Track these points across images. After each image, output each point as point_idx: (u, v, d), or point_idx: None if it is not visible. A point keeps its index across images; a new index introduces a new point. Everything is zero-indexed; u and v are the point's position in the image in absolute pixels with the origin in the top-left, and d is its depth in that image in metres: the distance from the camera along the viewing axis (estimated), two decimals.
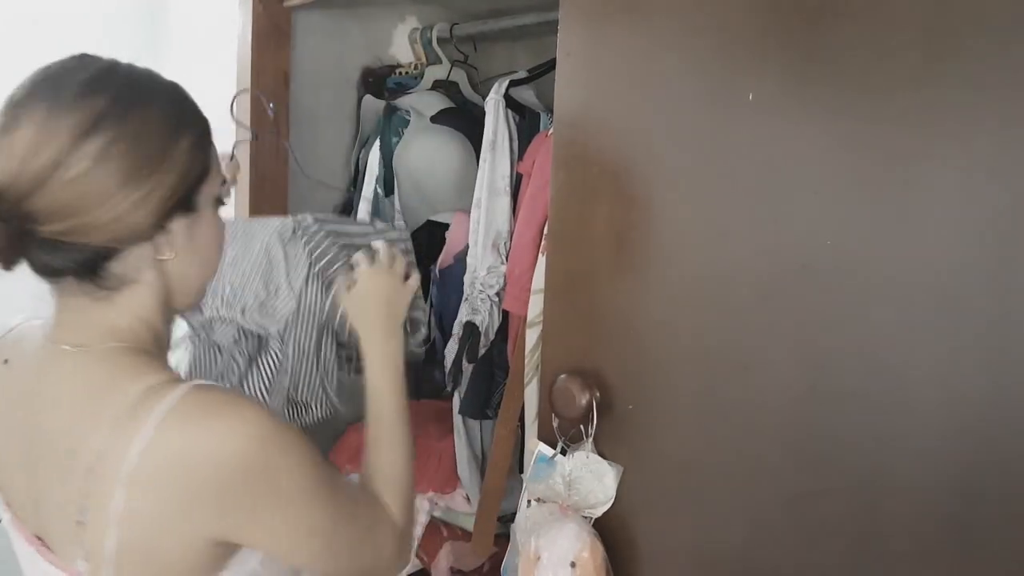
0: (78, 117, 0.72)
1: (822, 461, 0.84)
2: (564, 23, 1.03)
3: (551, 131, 1.13)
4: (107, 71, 0.78)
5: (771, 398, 0.87)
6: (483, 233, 1.49)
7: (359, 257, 1.07)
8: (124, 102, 0.75)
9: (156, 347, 0.83)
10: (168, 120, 0.79)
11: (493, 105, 1.48)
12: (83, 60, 0.78)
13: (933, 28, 0.75)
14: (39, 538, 0.81)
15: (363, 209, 1.72)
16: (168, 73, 0.87)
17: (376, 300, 1.05)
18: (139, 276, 0.79)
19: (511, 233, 1.47)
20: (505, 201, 1.48)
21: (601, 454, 1.01)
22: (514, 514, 1.14)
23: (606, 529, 1.00)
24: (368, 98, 1.82)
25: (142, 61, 0.85)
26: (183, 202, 0.79)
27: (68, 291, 0.79)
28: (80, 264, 0.76)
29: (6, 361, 0.85)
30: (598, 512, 1.00)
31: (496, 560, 1.59)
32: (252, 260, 1.24)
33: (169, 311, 0.85)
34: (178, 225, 0.80)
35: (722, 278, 0.90)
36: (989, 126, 0.72)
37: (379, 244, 1.09)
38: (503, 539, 1.36)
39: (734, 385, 0.90)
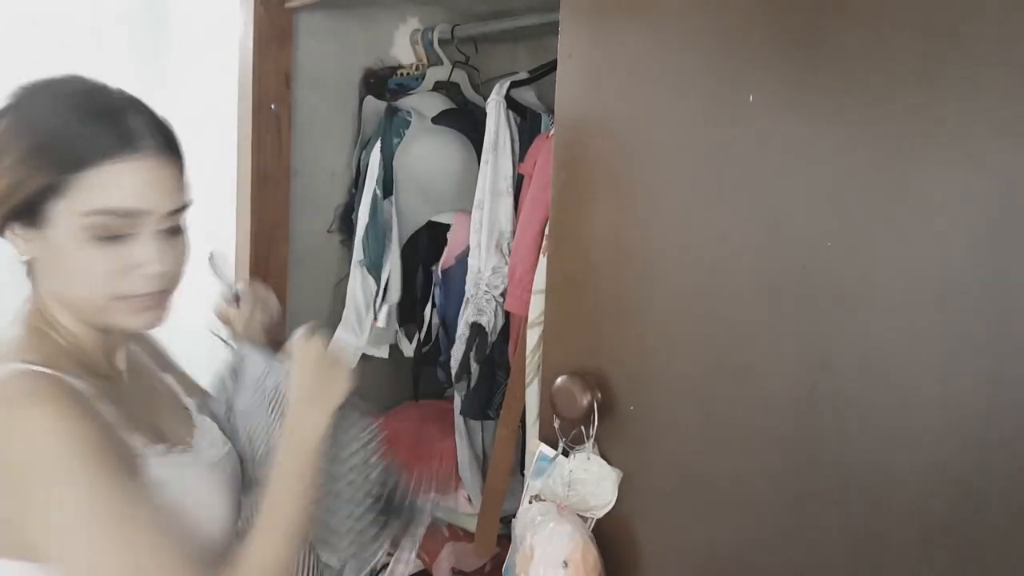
0: None
1: (823, 462, 0.84)
2: (565, 25, 1.03)
3: (552, 132, 1.13)
4: (25, 82, 0.82)
5: (772, 399, 0.87)
6: (486, 234, 1.49)
7: (296, 333, 0.96)
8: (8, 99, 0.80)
9: (59, 336, 0.84)
10: (8, 131, 0.80)
11: (495, 106, 1.48)
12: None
13: (932, 31, 0.75)
14: None
15: (363, 210, 1.72)
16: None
17: (305, 371, 0.93)
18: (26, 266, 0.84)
19: (514, 233, 1.47)
20: (508, 201, 1.49)
21: (603, 455, 1.01)
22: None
23: (606, 531, 1.00)
24: (369, 99, 1.82)
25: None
26: (19, 212, 0.80)
27: None
28: None
29: None
30: (598, 514, 1.00)
31: (498, 561, 1.59)
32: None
33: (76, 313, 0.85)
34: (21, 233, 0.81)
35: (723, 279, 0.91)
36: (988, 128, 0.72)
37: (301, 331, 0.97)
38: (505, 540, 1.36)
39: (735, 386, 0.90)
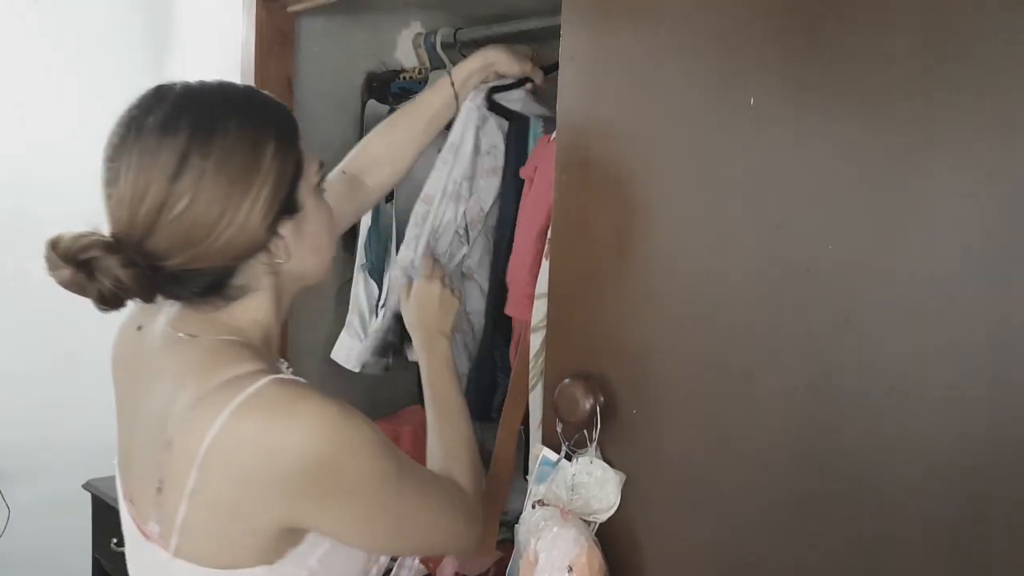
0: (165, 159, 0.77)
1: (825, 466, 0.84)
2: (567, 27, 1.03)
3: (554, 135, 1.13)
4: (181, 102, 0.82)
5: (775, 402, 0.87)
6: (427, 230, 1.50)
7: (408, 272, 1.29)
8: (202, 132, 0.80)
9: (264, 343, 0.90)
10: (247, 134, 0.82)
11: (464, 112, 1.48)
12: (159, 94, 0.83)
13: (934, 33, 0.75)
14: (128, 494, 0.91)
15: (367, 214, 1.72)
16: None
17: (425, 309, 1.21)
18: (258, 284, 0.87)
19: (451, 241, 1.50)
20: (454, 207, 1.50)
21: (605, 459, 1.01)
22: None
23: (610, 535, 1.00)
24: (372, 103, 1.82)
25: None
26: (286, 206, 0.84)
27: (193, 301, 0.87)
28: (205, 287, 0.83)
29: (140, 328, 0.92)
30: (601, 518, 0.99)
31: (501, 564, 1.59)
32: None
33: (283, 308, 0.93)
34: (286, 228, 0.85)
35: (725, 282, 0.90)
36: (990, 130, 0.72)
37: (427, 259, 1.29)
38: (507, 544, 1.36)
39: (737, 389, 0.90)
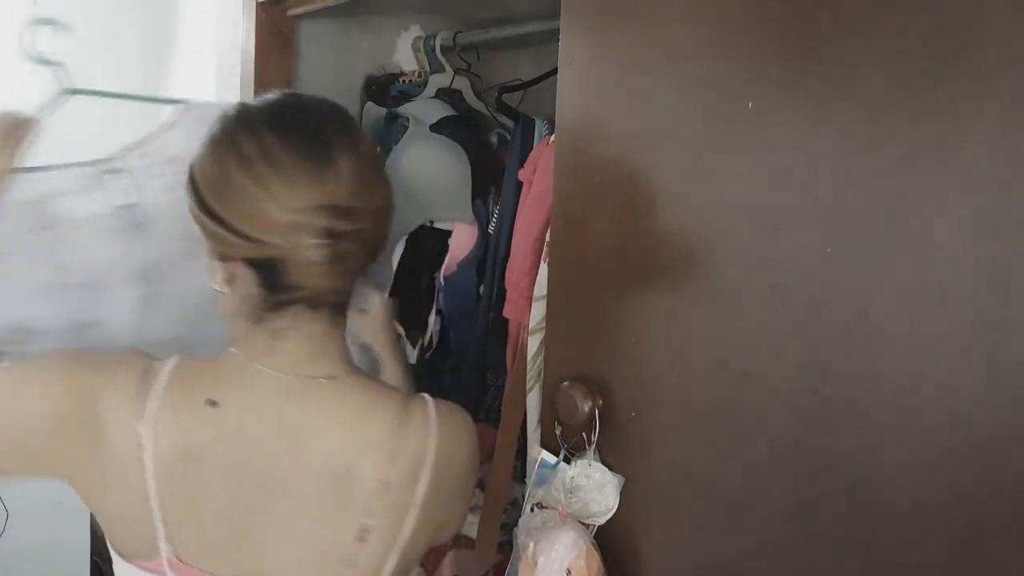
0: (369, 157, 0.84)
1: (824, 468, 0.84)
2: (565, 31, 1.04)
3: (552, 138, 1.13)
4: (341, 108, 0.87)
5: (773, 405, 0.87)
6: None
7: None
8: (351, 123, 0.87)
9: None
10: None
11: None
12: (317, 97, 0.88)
13: (933, 36, 0.75)
14: None
15: None
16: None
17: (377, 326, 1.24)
18: (363, 305, 0.98)
19: None
20: None
21: (604, 462, 1.01)
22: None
23: (608, 538, 1.00)
24: (370, 105, 1.82)
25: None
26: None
27: (301, 322, 0.81)
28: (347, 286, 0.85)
29: (215, 403, 0.80)
30: (600, 521, 0.99)
31: (501, 568, 1.59)
32: None
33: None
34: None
35: (724, 285, 0.90)
36: (989, 135, 0.72)
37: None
38: (507, 547, 1.36)
39: (736, 392, 0.90)
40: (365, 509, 0.80)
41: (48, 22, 1.12)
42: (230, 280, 0.81)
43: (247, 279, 0.79)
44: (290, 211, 0.75)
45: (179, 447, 0.77)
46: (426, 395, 0.89)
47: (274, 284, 0.78)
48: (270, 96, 0.85)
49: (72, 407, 0.77)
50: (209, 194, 0.78)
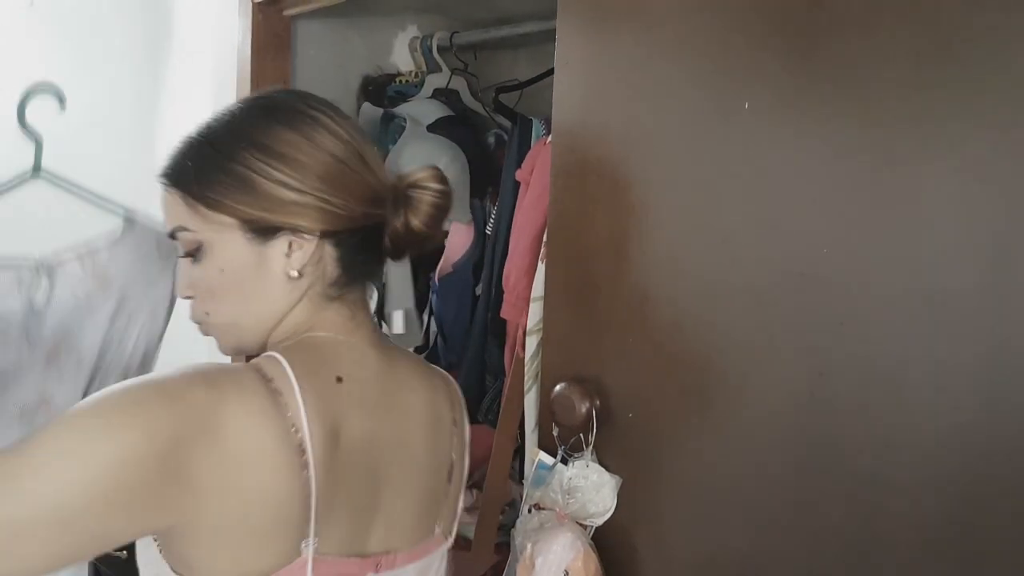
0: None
1: (821, 469, 0.84)
2: (562, 32, 1.04)
3: (550, 139, 1.13)
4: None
5: (770, 405, 0.87)
6: None
7: None
8: None
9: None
10: None
11: None
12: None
13: (926, 37, 0.75)
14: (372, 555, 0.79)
15: None
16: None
17: None
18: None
19: None
20: None
21: (601, 463, 1.01)
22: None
23: (606, 539, 1.00)
24: (366, 106, 1.82)
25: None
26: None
27: (362, 292, 0.84)
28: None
29: (340, 379, 0.78)
30: (597, 522, 0.99)
31: (498, 569, 1.59)
32: None
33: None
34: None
35: (721, 285, 0.90)
36: (983, 132, 0.73)
37: None
38: (505, 548, 1.36)
39: (733, 393, 0.90)
40: (449, 448, 0.89)
41: (45, 89, 1.10)
42: (315, 261, 0.79)
43: (330, 257, 0.80)
44: (382, 182, 0.81)
45: (328, 429, 0.74)
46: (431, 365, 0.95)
47: (353, 259, 0.81)
48: (295, 91, 0.88)
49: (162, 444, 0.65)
50: (313, 173, 0.77)
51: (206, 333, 0.82)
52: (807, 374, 0.84)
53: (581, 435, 1.01)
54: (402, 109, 1.76)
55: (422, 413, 0.86)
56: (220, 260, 0.77)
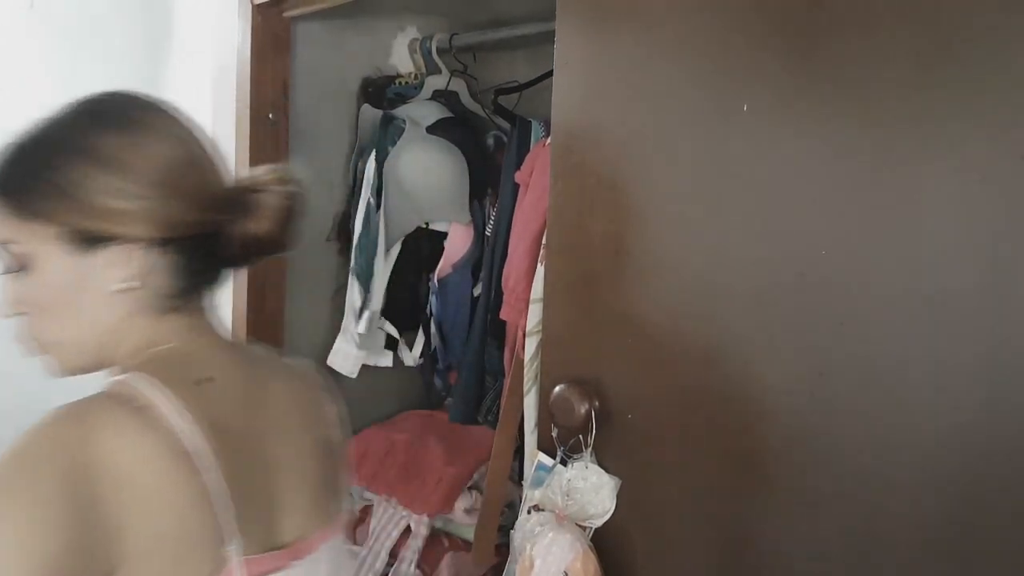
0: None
1: (820, 469, 0.84)
2: (561, 34, 1.04)
3: (549, 140, 1.13)
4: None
5: (770, 406, 0.87)
6: None
7: None
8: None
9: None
10: None
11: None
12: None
13: (926, 39, 0.75)
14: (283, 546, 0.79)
15: (359, 219, 1.73)
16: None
17: None
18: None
19: None
20: None
21: (601, 464, 1.01)
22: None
23: (605, 540, 1.00)
24: (366, 107, 1.82)
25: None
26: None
27: (205, 301, 0.82)
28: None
29: (211, 378, 0.77)
30: (596, 523, 0.99)
31: (498, 570, 1.59)
32: None
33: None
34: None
35: (720, 287, 0.90)
36: (982, 135, 0.73)
37: None
38: (505, 549, 1.36)
39: (732, 394, 0.90)
40: (326, 426, 0.89)
41: None
42: (148, 271, 0.74)
43: (165, 266, 0.75)
44: (222, 186, 0.78)
45: (207, 431, 0.72)
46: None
47: (191, 267, 0.77)
48: (124, 92, 0.81)
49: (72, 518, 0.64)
50: (142, 179, 0.73)
51: (37, 354, 0.78)
52: (807, 374, 0.84)
53: (580, 436, 1.01)
54: (402, 111, 1.76)
55: (293, 400, 0.85)
56: (44, 274, 0.73)
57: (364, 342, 1.73)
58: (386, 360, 1.80)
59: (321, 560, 0.83)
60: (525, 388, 1.32)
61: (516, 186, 1.47)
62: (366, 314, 1.71)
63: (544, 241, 1.17)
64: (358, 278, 1.71)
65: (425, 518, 1.66)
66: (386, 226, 1.71)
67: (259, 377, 0.83)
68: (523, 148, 1.53)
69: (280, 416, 0.83)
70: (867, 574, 0.82)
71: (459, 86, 1.85)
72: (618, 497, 0.99)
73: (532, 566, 0.97)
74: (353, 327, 1.72)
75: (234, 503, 0.72)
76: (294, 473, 0.82)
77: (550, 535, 0.98)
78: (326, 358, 1.76)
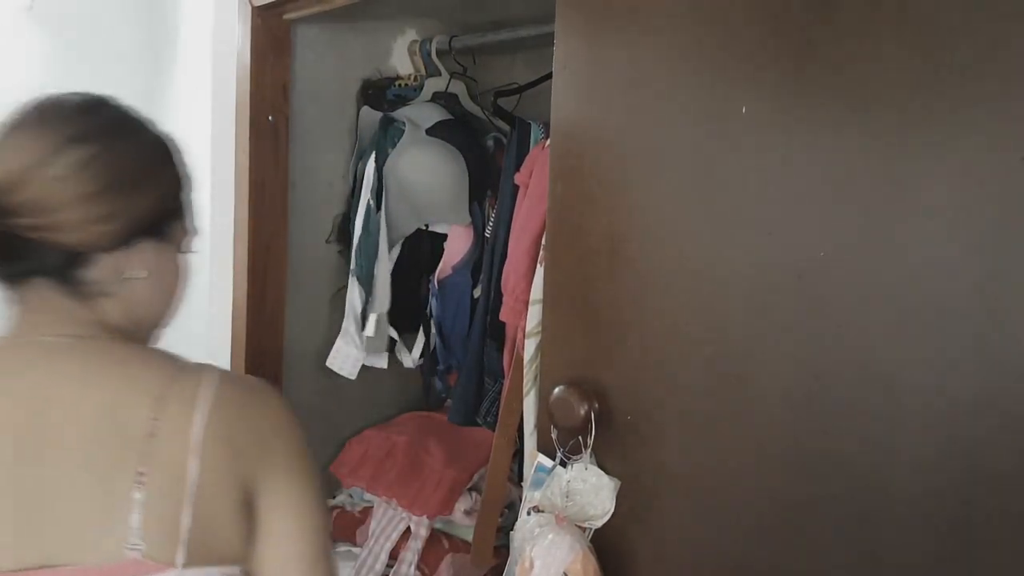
0: (70, 129, 0.80)
1: (819, 471, 0.84)
2: (560, 36, 1.04)
3: (548, 142, 1.13)
4: (106, 101, 0.85)
5: (768, 408, 0.87)
6: None
7: None
8: (117, 127, 0.84)
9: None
10: (154, 155, 0.87)
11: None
12: (85, 93, 0.85)
13: (924, 42, 0.75)
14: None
15: (359, 221, 1.73)
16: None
17: None
18: (110, 289, 0.83)
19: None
20: None
21: (600, 465, 1.01)
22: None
23: (605, 541, 1.00)
24: (366, 109, 1.83)
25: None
26: (151, 228, 0.85)
27: (44, 294, 0.82)
28: (52, 265, 0.81)
29: None
30: (596, 524, 1.00)
31: (497, 572, 1.59)
32: None
33: (137, 331, 0.88)
34: (145, 246, 0.85)
35: (719, 289, 0.91)
36: (981, 137, 0.73)
37: None
38: (504, 550, 1.36)
39: (731, 395, 0.90)
40: (138, 456, 0.77)
41: None
42: None
43: None
44: None
45: None
46: (213, 365, 0.85)
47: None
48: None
49: None
50: None
51: None
52: (805, 376, 0.85)
53: (580, 437, 1.01)
54: (401, 112, 1.76)
55: (89, 415, 0.78)
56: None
57: (371, 344, 1.74)
58: (381, 361, 1.80)
59: None
60: (525, 389, 1.32)
61: (515, 188, 1.48)
62: (373, 316, 1.71)
63: (543, 242, 1.17)
64: (359, 280, 1.71)
65: (425, 519, 1.66)
66: (387, 229, 1.71)
67: (49, 378, 0.79)
68: (522, 150, 1.53)
69: (53, 427, 0.78)
70: (866, 575, 0.82)
71: (459, 88, 1.86)
72: (618, 498, 0.99)
73: (532, 567, 0.97)
74: (354, 329, 1.73)
75: None
76: (56, 491, 0.77)
77: (550, 536, 0.98)
78: (326, 359, 1.76)
